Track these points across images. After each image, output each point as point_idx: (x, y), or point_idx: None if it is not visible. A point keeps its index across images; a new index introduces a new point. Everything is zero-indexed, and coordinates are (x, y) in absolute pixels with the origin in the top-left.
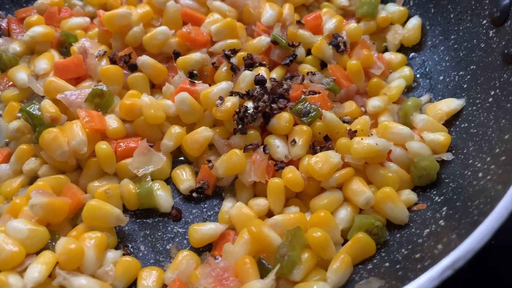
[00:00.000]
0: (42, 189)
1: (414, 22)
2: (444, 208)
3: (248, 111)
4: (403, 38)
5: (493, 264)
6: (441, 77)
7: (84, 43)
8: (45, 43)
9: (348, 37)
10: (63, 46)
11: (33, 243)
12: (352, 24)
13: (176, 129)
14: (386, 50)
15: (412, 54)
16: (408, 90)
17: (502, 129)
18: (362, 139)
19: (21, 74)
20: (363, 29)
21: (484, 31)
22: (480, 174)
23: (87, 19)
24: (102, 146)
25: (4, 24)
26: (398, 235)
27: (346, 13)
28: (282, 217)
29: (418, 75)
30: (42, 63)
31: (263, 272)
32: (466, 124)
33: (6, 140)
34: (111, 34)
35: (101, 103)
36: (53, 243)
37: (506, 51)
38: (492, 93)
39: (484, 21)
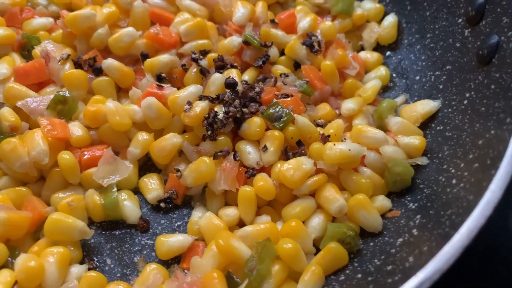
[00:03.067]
0: (1, 203)
1: (390, 19)
2: (418, 216)
3: (218, 117)
4: (379, 37)
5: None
6: (418, 77)
7: (46, 45)
8: (6, 46)
9: (323, 36)
10: (25, 49)
11: None
12: (327, 23)
13: (143, 136)
14: (362, 48)
15: (388, 53)
16: (384, 90)
17: (476, 133)
18: (334, 144)
19: None
20: (338, 27)
21: (459, 30)
22: (454, 181)
23: (51, 20)
24: (65, 156)
25: None
26: (371, 243)
27: (322, 11)
28: (252, 228)
29: (394, 75)
30: (2, 67)
31: (231, 287)
32: (441, 127)
33: None
34: (75, 36)
35: (64, 110)
36: (13, 260)
37: (480, 51)
38: (467, 95)
39: (460, 20)
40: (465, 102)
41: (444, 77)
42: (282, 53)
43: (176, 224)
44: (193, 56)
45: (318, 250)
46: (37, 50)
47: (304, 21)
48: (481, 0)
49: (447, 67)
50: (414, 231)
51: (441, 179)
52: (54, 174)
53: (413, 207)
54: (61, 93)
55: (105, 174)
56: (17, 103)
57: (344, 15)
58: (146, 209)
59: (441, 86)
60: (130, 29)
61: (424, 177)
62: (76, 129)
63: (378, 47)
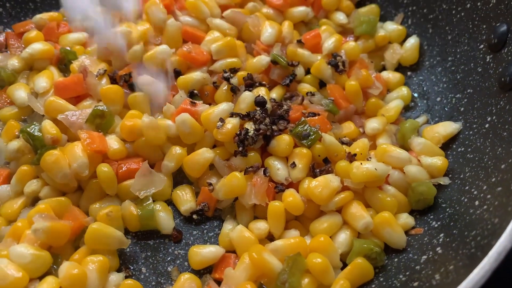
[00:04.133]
0: (45, 213)
1: (412, 41)
2: (441, 235)
3: (249, 134)
4: (401, 57)
5: None
6: (438, 98)
7: (83, 60)
8: (44, 59)
9: (347, 55)
10: (62, 63)
11: (36, 268)
12: (351, 43)
13: (177, 150)
14: (383, 68)
15: (409, 73)
16: (406, 109)
17: (498, 157)
18: (361, 163)
19: (20, 92)
20: (362, 48)
21: (481, 55)
22: (477, 203)
23: (86, 34)
24: (104, 169)
25: (1, 39)
26: (396, 259)
27: (345, 30)
28: (283, 242)
29: (415, 95)
30: (42, 81)
31: None
32: (462, 149)
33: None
34: (111, 52)
35: (102, 123)
36: (55, 267)
37: (503, 79)
38: (489, 119)
39: (482, 46)
40: (487, 125)
41: (465, 100)
42: (307, 71)
43: (207, 235)
44: (225, 75)
45: (344, 264)
46: (74, 65)
47: (329, 41)
48: (503, 28)
49: (468, 90)
50: (438, 249)
51: (464, 199)
52: (92, 185)
53: (436, 225)
54: (99, 107)
55: (142, 187)
56: (58, 116)
57: (367, 36)
58: (179, 220)
59: (462, 109)
60: (164, 46)
61: (446, 197)
62: (113, 142)
63: (399, 68)
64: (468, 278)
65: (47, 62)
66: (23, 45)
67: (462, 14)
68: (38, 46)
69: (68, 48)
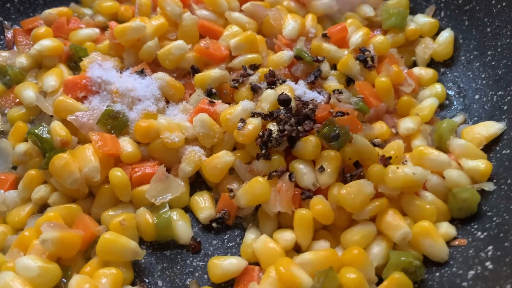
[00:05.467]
0: (54, 222)
1: (446, 35)
2: (490, 247)
3: (273, 135)
4: (434, 53)
5: None
6: (477, 96)
7: (95, 57)
8: (54, 57)
9: (376, 51)
10: (72, 60)
11: (44, 282)
12: (380, 37)
13: (195, 153)
14: (414, 64)
15: (443, 69)
16: (440, 108)
17: None
18: (398, 167)
19: (28, 91)
20: (391, 42)
21: None
22: None
23: (97, 30)
24: (117, 174)
25: (9, 36)
26: (437, 274)
27: (372, 24)
28: (312, 255)
29: (450, 93)
30: (51, 79)
31: None
32: (508, 151)
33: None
34: (123, 48)
35: (114, 124)
36: (65, 281)
37: None
38: None
39: None
40: None
41: (509, 98)
42: (333, 67)
43: (228, 245)
44: (245, 71)
45: (379, 279)
46: (85, 62)
47: (357, 36)
48: None
49: None
50: (488, 265)
51: None
52: (104, 191)
53: (482, 236)
54: (111, 107)
55: (158, 193)
56: (67, 117)
57: (397, 30)
58: (197, 228)
59: (505, 107)
60: (180, 42)
61: (492, 205)
62: (126, 145)
63: (431, 63)
64: None
65: (57, 59)
66: (31, 42)
67: (504, 3)
68: (47, 43)
69: (79, 46)
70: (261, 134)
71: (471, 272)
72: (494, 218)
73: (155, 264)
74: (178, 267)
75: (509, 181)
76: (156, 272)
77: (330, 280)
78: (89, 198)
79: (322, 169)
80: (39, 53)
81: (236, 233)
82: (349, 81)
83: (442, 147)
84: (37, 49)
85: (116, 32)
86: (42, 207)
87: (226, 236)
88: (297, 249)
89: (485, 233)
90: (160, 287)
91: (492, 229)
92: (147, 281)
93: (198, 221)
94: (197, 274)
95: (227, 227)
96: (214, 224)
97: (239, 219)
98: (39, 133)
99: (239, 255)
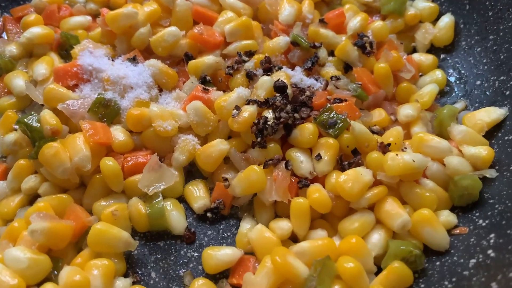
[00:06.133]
0: (43, 212)
1: (446, 20)
2: (492, 235)
3: (268, 122)
4: (434, 38)
5: None
6: (478, 82)
7: (86, 44)
8: (44, 45)
9: (374, 36)
10: (64, 48)
11: (33, 274)
12: (378, 23)
13: (188, 142)
14: (414, 50)
15: (443, 55)
16: (440, 95)
17: None
18: (397, 154)
19: (18, 80)
20: (390, 28)
21: None
22: None
23: (89, 18)
24: (108, 163)
25: None
26: (437, 263)
27: (370, 9)
28: (309, 244)
29: (451, 79)
30: (41, 68)
31: None
32: (510, 137)
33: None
34: (115, 35)
35: (106, 113)
36: (56, 272)
37: None
38: None
39: None
40: None
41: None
42: (330, 53)
43: (223, 236)
44: (240, 58)
45: (378, 269)
46: (76, 50)
47: (355, 21)
48: None
49: None
50: (490, 253)
51: None
52: (96, 181)
53: (484, 224)
54: (103, 95)
55: (151, 182)
56: (58, 105)
57: (396, 15)
58: (192, 218)
59: (507, 92)
60: (173, 28)
61: (494, 192)
62: (118, 134)
63: (431, 49)
64: None
65: (47, 48)
66: (21, 31)
67: None
68: (37, 30)
69: (70, 33)
70: (256, 121)
71: (473, 261)
72: (496, 206)
73: (148, 255)
74: (172, 258)
75: (511, 168)
76: (149, 263)
77: (327, 270)
78: (80, 188)
79: (319, 157)
80: (28, 41)
81: (231, 223)
82: (347, 67)
83: (443, 134)
84: (27, 36)
85: (107, 19)
86: (32, 198)
87: (221, 226)
88: (294, 238)
89: (486, 221)
90: (154, 279)
91: (494, 216)
92: (140, 272)
93: (193, 211)
94: (191, 265)
95: (223, 217)
96: (209, 214)
97: (234, 209)
98: (29, 122)
99: (235, 246)
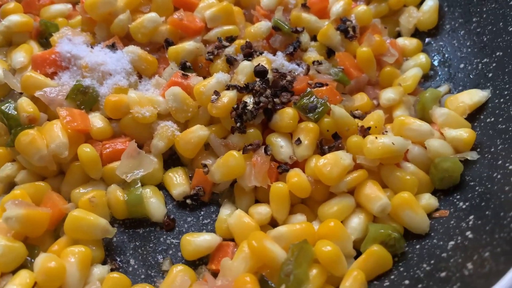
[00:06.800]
0: (19, 199)
1: (430, 3)
2: (471, 217)
3: (248, 107)
4: (418, 22)
5: None
6: (462, 65)
7: (65, 32)
8: (23, 33)
9: (358, 21)
10: (43, 36)
11: (8, 261)
12: (362, 7)
13: (167, 128)
14: (398, 35)
15: (428, 39)
16: (425, 79)
17: None
18: (376, 137)
19: None
20: (374, 12)
21: None
22: None
23: (69, 6)
24: (86, 150)
25: None
26: (417, 246)
27: None
28: (287, 228)
29: (435, 63)
30: (19, 56)
31: None
32: (492, 119)
33: None
34: (95, 22)
35: (84, 100)
36: (32, 260)
37: None
38: None
39: None
40: None
41: (494, 65)
42: (313, 38)
43: (203, 222)
44: (220, 43)
45: (358, 252)
46: (55, 37)
47: (338, 5)
48: None
49: (498, 53)
50: (469, 234)
51: (496, 176)
52: (74, 168)
53: (464, 206)
54: (81, 82)
55: (129, 169)
56: (35, 93)
57: None
58: (171, 205)
59: (490, 75)
60: (153, 14)
61: (475, 174)
62: (96, 121)
63: (416, 33)
64: None
65: (27, 36)
66: (0, 19)
67: None
68: (15, 18)
69: (49, 21)
70: (235, 106)
71: (451, 243)
72: (477, 188)
73: (127, 242)
74: (151, 245)
75: (492, 150)
76: (128, 250)
77: (304, 253)
78: (59, 176)
79: (299, 142)
80: (7, 29)
81: (212, 210)
82: (329, 52)
83: (426, 118)
84: (5, 24)
85: (86, 5)
86: (10, 187)
87: (202, 213)
88: (274, 224)
89: (467, 203)
90: (132, 266)
91: (474, 198)
92: (118, 259)
93: (173, 198)
94: (170, 252)
95: (203, 204)
96: (188, 201)
97: (215, 196)
98: (5, 109)
99: (215, 232)
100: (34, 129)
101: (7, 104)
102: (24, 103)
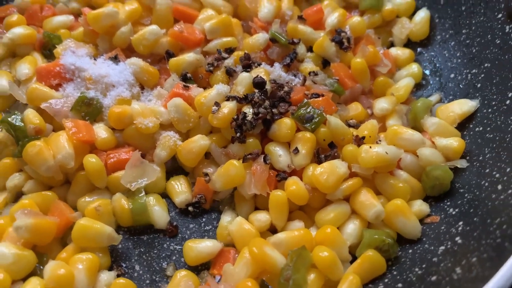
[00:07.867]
0: (28, 209)
1: (422, 14)
2: (460, 223)
3: (247, 118)
4: (411, 32)
5: None
6: (452, 75)
7: (68, 44)
8: (27, 45)
9: (352, 32)
10: (47, 48)
11: (19, 269)
12: (356, 18)
13: (169, 138)
14: (391, 45)
15: (419, 49)
16: (417, 88)
17: None
18: (370, 147)
19: (1, 80)
20: (368, 23)
21: (499, 26)
22: (499, 187)
23: (71, 17)
24: (91, 160)
25: None
26: (410, 250)
27: (349, 5)
28: (286, 234)
29: (426, 72)
30: (24, 67)
31: None
32: (481, 128)
33: None
34: (97, 34)
35: (88, 111)
36: (41, 267)
37: None
38: (510, 94)
39: (500, 15)
40: (508, 102)
41: (483, 75)
42: (309, 49)
43: (204, 229)
44: (219, 55)
45: (353, 257)
46: (59, 49)
47: (332, 17)
48: None
49: (486, 65)
50: (458, 239)
51: (484, 183)
52: (80, 177)
53: (454, 212)
54: (85, 94)
55: (133, 178)
56: (41, 105)
57: (374, 10)
58: (174, 213)
59: (479, 85)
60: (154, 27)
61: (464, 181)
62: (101, 131)
63: (408, 43)
64: (499, 273)
65: (30, 47)
66: (4, 31)
67: None
68: (19, 31)
69: (52, 33)
70: (235, 117)
71: (442, 248)
72: (466, 195)
73: (132, 248)
74: (155, 251)
75: (481, 158)
76: (133, 256)
77: (303, 259)
78: (65, 185)
79: (296, 151)
80: (11, 41)
81: (213, 217)
82: (325, 63)
83: (418, 127)
84: (9, 37)
85: (89, 18)
86: (17, 196)
87: (203, 219)
88: (273, 230)
89: (456, 209)
90: (138, 271)
91: (463, 205)
92: (124, 265)
93: (175, 206)
94: (174, 257)
95: (204, 211)
96: (190, 208)
97: (216, 203)
98: (12, 121)
99: (216, 238)
100: (41, 140)
101: (14, 116)
102: (31, 114)
